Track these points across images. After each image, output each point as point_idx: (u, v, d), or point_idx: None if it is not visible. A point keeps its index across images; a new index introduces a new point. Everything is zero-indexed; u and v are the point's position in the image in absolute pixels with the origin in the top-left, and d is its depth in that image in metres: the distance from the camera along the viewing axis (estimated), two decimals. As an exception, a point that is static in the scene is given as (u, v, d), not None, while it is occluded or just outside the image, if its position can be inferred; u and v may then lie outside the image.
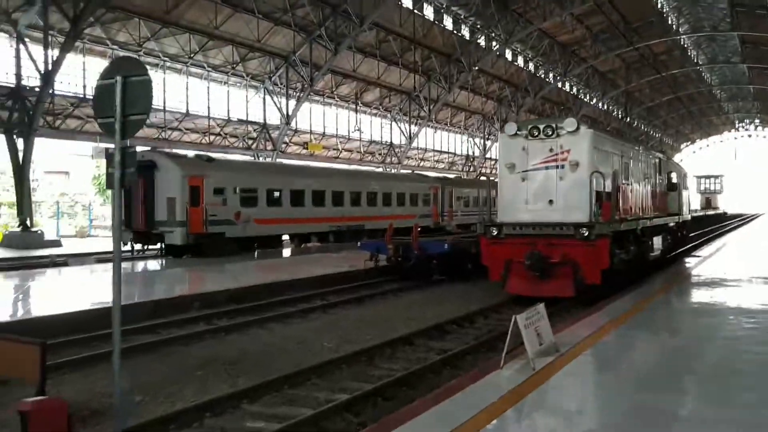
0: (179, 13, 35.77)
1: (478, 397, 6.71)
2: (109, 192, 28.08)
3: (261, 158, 43.48)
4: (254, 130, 43.96)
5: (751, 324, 10.83)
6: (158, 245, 25.19)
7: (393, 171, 52.98)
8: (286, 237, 30.75)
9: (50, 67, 29.30)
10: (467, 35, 52.38)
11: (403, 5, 44.51)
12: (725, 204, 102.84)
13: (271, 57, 42.56)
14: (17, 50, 29.46)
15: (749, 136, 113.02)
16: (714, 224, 52.76)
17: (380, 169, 52.62)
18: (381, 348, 10.52)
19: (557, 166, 14.55)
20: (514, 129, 15.06)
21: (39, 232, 32.24)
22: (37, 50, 29.47)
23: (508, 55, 58.75)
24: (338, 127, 51.69)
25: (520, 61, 61.39)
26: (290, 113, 44.26)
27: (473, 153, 68.17)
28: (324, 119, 50.44)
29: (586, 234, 13.65)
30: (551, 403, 6.90)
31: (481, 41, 53.40)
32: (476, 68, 54.92)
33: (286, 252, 28.95)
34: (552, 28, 55.52)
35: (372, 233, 30.43)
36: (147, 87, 6.79)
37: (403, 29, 46.01)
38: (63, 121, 34.71)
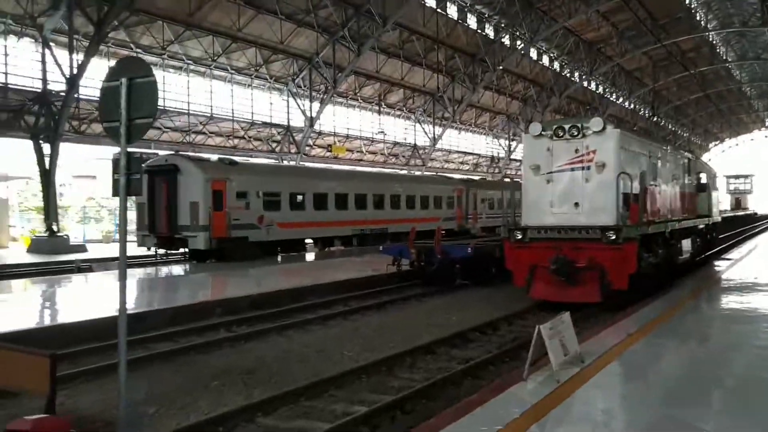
0: (202, 15, 35.88)
1: (500, 413, 6.45)
2: (134, 197, 28.18)
3: (285, 161, 43.48)
4: (278, 133, 44.00)
5: (786, 332, 10.45)
6: (181, 250, 25.20)
7: (417, 173, 52.70)
8: (309, 241, 30.62)
9: (75, 71, 29.47)
10: (491, 34, 52.03)
11: (427, 4, 44.33)
12: (756, 204, 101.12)
13: (294, 59, 42.58)
14: (43, 55, 29.73)
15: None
16: (744, 225, 51.75)
17: (404, 171, 52.37)
18: (402, 357, 10.27)
19: (583, 168, 14.18)
20: (539, 129, 14.73)
21: (65, 237, 32.50)
22: (62, 55, 29.73)
23: (533, 54, 58.30)
24: (362, 129, 51.54)
25: (545, 60, 60.91)
26: (314, 115, 44.21)
27: (498, 154, 67.66)
28: (348, 121, 50.34)
29: (613, 237, 13.30)
30: (576, 419, 6.60)
31: (506, 40, 52.97)
32: (501, 68, 54.53)
33: (310, 256, 28.82)
34: (577, 26, 54.98)
35: (395, 236, 30.23)
36: (153, 89, 6.61)
37: (426, 29, 45.81)
38: (88, 125, 34.93)
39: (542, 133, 14.63)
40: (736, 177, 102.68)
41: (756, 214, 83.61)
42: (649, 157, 16.27)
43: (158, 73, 36.69)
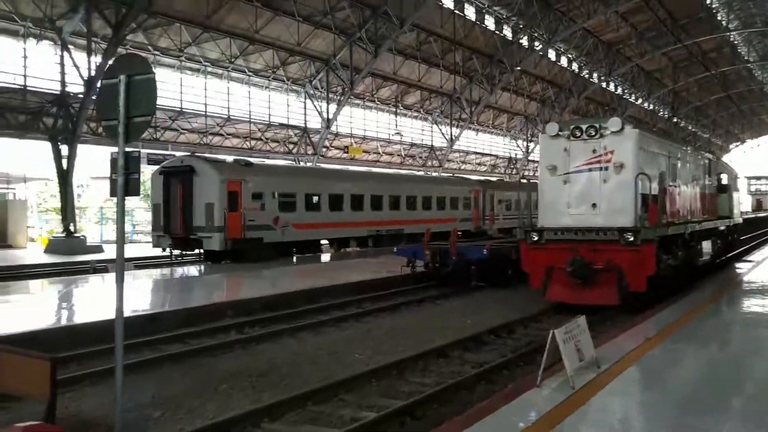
0: (219, 17, 35.91)
1: (512, 421, 6.26)
2: (150, 198, 28.24)
3: (301, 163, 43.43)
4: (295, 135, 43.95)
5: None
6: (196, 251, 25.18)
7: (433, 174, 52.45)
8: (324, 242, 30.50)
9: (93, 73, 29.55)
10: (509, 35, 51.62)
11: (444, 6, 44.04)
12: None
13: (311, 61, 42.49)
14: (61, 57, 29.84)
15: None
16: (766, 227, 50.94)
17: (420, 173, 52.14)
18: (414, 360, 10.09)
19: (601, 168, 13.96)
20: (556, 129, 14.51)
21: (82, 237, 32.63)
22: (80, 57, 29.84)
23: (551, 55, 57.82)
24: (379, 130, 51.38)
25: (564, 61, 60.39)
26: (330, 117, 44.13)
27: (516, 155, 67.21)
28: (364, 122, 50.20)
29: (632, 239, 13.06)
30: (592, 427, 6.39)
31: (524, 41, 52.51)
32: (519, 69, 54.07)
33: (325, 257, 28.71)
34: (596, 27, 54.46)
35: (411, 237, 30.03)
36: (152, 86, 6.45)
37: (443, 30, 45.52)
38: (106, 127, 35.01)
39: (559, 133, 14.42)
40: (758, 178, 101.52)
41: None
42: (668, 157, 15.99)
43: (176, 75, 37.11)
